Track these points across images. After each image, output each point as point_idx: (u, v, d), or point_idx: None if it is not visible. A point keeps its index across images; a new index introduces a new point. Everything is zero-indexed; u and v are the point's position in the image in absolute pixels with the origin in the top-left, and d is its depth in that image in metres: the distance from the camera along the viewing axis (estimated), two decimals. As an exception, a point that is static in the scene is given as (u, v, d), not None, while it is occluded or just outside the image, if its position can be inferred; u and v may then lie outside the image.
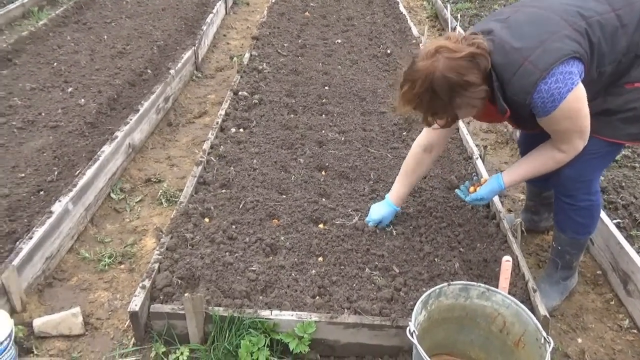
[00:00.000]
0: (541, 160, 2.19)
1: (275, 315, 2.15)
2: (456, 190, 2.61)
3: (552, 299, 2.47)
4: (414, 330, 1.77)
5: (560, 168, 2.17)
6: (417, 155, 2.57)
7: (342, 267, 2.47)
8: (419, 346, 1.72)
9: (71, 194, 2.75)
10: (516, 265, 2.41)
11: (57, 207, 2.65)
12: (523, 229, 2.60)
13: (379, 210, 2.68)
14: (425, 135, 2.52)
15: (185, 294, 2.08)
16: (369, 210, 2.75)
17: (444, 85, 1.92)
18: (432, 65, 1.92)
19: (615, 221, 2.76)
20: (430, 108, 2.03)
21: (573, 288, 2.56)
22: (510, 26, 2.01)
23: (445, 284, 2.00)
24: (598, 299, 2.59)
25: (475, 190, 2.44)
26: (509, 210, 3.15)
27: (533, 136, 2.40)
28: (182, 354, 2.14)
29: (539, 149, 2.20)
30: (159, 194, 3.21)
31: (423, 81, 1.94)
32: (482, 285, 2.02)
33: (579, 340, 2.37)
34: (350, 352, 2.19)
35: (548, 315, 2.12)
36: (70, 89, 4.03)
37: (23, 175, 3.07)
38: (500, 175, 2.32)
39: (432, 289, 1.97)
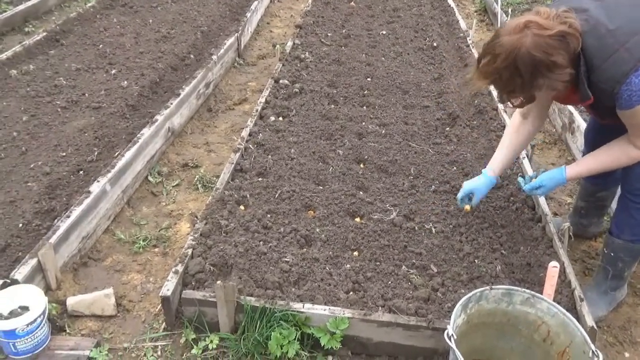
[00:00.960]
0: (613, 155, 2.07)
1: (308, 308, 2.09)
2: (519, 178, 2.51)
3: (599, 309, 2.34)
4: (452, 334, 1.68)
5: (631, 165, 2.05)
6: (515, 124, 2.44)
7: (378, 263, 2.40)
8: (457, 351, 1.64)
9: (109, 175, 2.75)
10: (562, 272, 2.29)
11: (95, 188, 2.66)
12: (571, 233, 2.47)
13: (471, 182, 2.54)
14: None
15: (218, 282, 2.04)
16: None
17: (528, 64, 1.81)
18: (519, 41, 1.82)
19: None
20: (508, 85, 1.93)
21: (621, 300, 2.42)
22: (607, 6, 1.89)
23: (487, 287, 1.91)
24: (648, 312, 2.45)
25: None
26: (555, 214, 3.00)
27: (602, 128, 2.28)
28: (211, 342, 2.12)
29: (612, 144, 2.09)
30: (196, 179, 3.20)
31: (506, 56, 1.84)
32: (527, 291, 1.92)
33: (626, 355, 2.24)
34: (383, 351, 2.13)
35: (595, 327, 2.00)
36: (113, 71, 4.06)
37: (64, 154, 3.10)
38: (564, 166, 2.22)
39: (473, 292, 1.87)
